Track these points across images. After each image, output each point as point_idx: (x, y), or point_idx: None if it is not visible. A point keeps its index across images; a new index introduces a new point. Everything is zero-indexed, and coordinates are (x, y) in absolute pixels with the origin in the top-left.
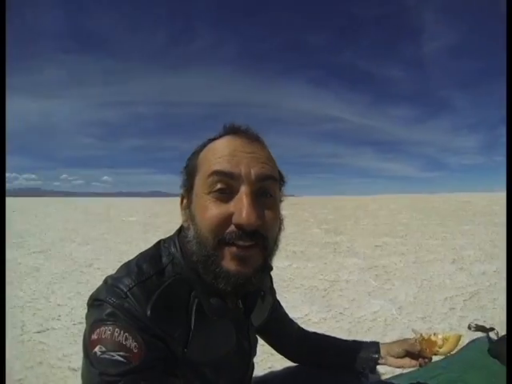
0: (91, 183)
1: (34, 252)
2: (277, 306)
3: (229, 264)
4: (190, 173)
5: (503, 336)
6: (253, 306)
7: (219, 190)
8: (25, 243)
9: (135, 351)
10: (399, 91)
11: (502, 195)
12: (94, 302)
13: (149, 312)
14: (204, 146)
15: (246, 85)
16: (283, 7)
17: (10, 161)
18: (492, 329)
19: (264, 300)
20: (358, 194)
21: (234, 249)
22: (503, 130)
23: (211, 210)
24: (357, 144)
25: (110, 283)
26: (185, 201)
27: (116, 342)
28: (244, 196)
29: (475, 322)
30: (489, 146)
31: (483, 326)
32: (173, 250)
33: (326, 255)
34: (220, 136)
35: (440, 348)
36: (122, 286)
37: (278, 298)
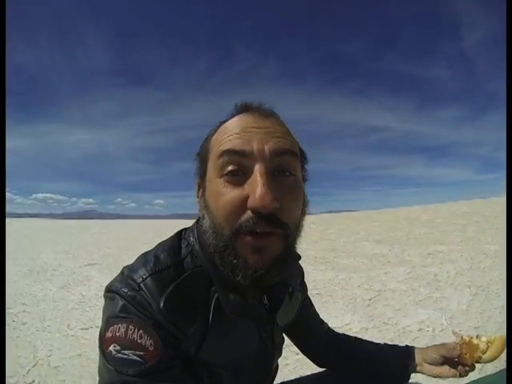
0: (144, 206)
1: (86, 264)
2: (307, 303)
3: (246, 254)
4: (202, 158)
5: None
6: (279, 303)
7: (231, 172)
8: (79, 257)
9: (151, 349)
10: (444, 91)
11: None
12: (108, 293)
13: (162, 304)
14: (216, 129)
15: (287, 101)
16: (317, 21)
17: (70, 187)
18: None
19: (292, 297)
20: (411, 205)
21: (250, 237)
22: None
23: (224, 196)
24: (405, 152)
25: (126, 274)
26: (200, 189)
27: (130, 340)
28: (258, 175)
29: None
30: None
31: None
32: (192, 240)
33: (373, 266)
34: (232, 116)
35: (483, 353)
36: (135, 277)
37: (318, 308)
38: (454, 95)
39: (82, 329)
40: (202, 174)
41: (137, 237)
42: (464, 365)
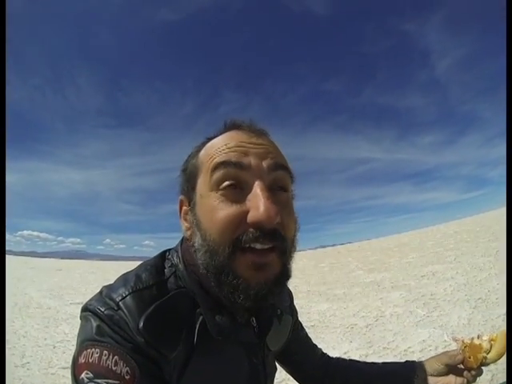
0: (133, 247)
1: (71, 303)
2: (298, 327)
3: (247, 273)
4: (189, 174)
5: None
6: (268, 326)
7: (228, 186)
8: (64, 295)
9: (127, 378)
10: (422, 118)
11: None
12: (83, 313)
13: (141, 324)
14: (203, 144)
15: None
16: (298, 62)
17: (56, 226)
18: None
19: (281, 320)
20: (403, 231)
21: (250, 255)
22: None
23: (222, 210)
24: (392, 181)
25: (105, 293)
26: (184, 207)
27: (104, 368)
28: (259, 190)
29: None
30: None
31: None
32: (176, 261)
33: (368, 293)
34: (220, 133)
35: (488, 353)
36: (114, 296)
37: (314, 339)
38: (433, 121)
39: (64, 368)
40: (190, 191)
41: None
42: (470, 369)
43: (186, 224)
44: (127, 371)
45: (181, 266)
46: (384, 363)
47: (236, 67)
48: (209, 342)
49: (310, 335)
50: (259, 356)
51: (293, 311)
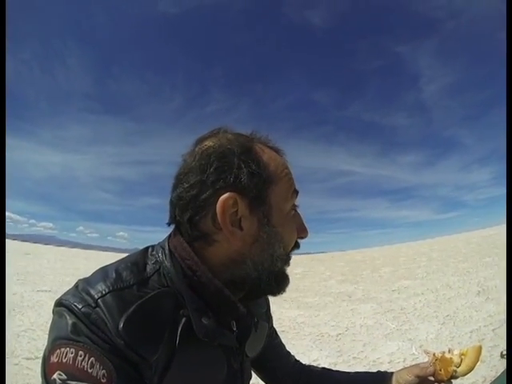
0: (106, 237)
1: (38, 290)
2: (273, 334)
3: (286, 270)
4: (260, 180)
5: None
6: (247, 332)
7: (295, 207)
8: (31, 282)
9: (103, 381)
10: (405, 138)
11: None
12: (57, 308)
13: (121, 325)
14: (251, 148)
15: None
16: (289, 69)
17: (29, 208)
18: None
19: (257, 327)
20: (376, 246)
21: (290, 256)
22: None
23: (294, 226)
24: (371, 195)
25: (81, 287)
26: (235, 208)
27: (79, 370)
28: (299, 213)
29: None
30: (501, 177)
31: None
32: (161, 258)
33: (339, 303)
34: (266, 145)
35: (458, 366)
36: (93, 292)
37: (286, 345)
38: (415, 142)
39: (28, 358)
40: (255, 195)
41: (96, 268)
42: (440, 381)
43: (236, 229)
44: (104, 374)
45: (167, 264)
46: (356, 372)
47: (228, 67)
48: (191, 345)
49: None
50: (238, 362)
51: (269, 318)
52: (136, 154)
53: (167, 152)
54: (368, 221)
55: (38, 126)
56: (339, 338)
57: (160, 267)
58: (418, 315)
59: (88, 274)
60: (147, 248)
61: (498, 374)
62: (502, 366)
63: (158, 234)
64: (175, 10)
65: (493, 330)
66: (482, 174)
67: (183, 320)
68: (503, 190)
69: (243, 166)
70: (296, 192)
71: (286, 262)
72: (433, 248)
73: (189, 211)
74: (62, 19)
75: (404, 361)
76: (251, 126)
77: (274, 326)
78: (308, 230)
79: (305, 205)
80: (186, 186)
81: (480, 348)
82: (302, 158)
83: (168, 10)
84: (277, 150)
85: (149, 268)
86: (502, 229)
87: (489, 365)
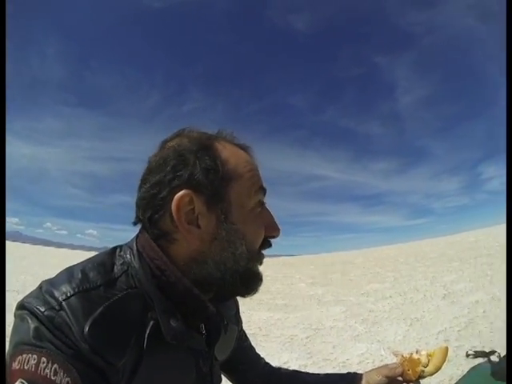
0: (75, 235)
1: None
2: (243, 337)
3: (259, 270)
4: (217, 177)
5: (505, 355)
6: (216, 334)
7: (262, 204)
8: None
9: None
10: (379, 146)
11: (487, 230)
12: (19, 311)
13: (87, 329)
14: (212, 143)
15: None
16: (266, 72)
17: None
18: (493, 352)
19: (227, 330)
20: (346, 250)
21: (262, 255)
22: (482, 169)
23: (260, 224)
24: (343, 200)
25: (45, 289)
26: (191, 206)
27: (42, 377)
28: (269, 210)
29: (473, 349)
30: (469, 187)
31: (483, 351)
32: (129, 258)
33: (309, 306)
34: (226, 139)
35: (425, 367)
36: (57, 294)
37: (256, 347)
38: (388, 150)
39: None
40: (214, 192)
41: (63, 267)
42: (409, 381)
43: (192, 226)
44: (68, 382)
45: (135, 264)
46: (326, 374)
47: (208, 67)
48: (159, 348)
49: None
50: (207, 365)
51: (238, 321)
52: (110, 149)
53: (141, 149)
54: (339, 225)
55: (7, 115)
56: (309, 340)
57: (128, 268)
58: (386, 317)
59: (53, 274)
60: (115, 248)
61: (464, 373)
62: (467, 365)
63: (128, 232)
64: (159, 3)
65: (458, 331)
66: (450, 184)
67: (151, 323)
68: (470, 199)
69: (199, 163)
70: (262, 189)
71: (252, 260)
72: (401, 253)
73: (149, 210)
74: (40, 6)
75: (373, 362)
76: (227, 127)
77: (244, 328)
78: (279, 228)
79: (277, 207)
80: (148, 186)
81: (446, 349)
82: (276, 161)
83: (152, 3)
84: (244, 148)
85: (116, 269)
86: (468, 235)
87: (455, 364)
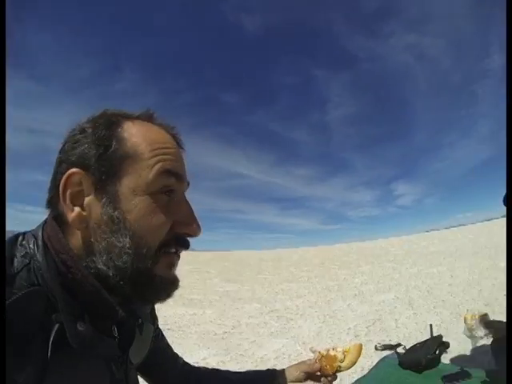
0: None
1: None
2: (159, 335)
3: (166, 272)
4: (110, 157)
5: (410, 347)
6: (130, 337)
7: (167, 192)
8: None
9: None
10: (303, 152)
11: (395, 239)
12: None
13: None
14: (117, 121)
15: None
16: (202, 64)
17: None
18: (399, 344)
19: (143, 330)
20: (263, 249)
21: (169, 256)
22: (395, 186)
23: (159, 215)
24: (262, 200)
25: None
26: (79, 187)
27: None
28: (188, 203)
29: (381, 343)
30: (382, 200)
31: (390, 344)
32: (32, 249)
33: (225, 302)
34: (142, 118)
35: (342, 362)
36: None
37: (172, 344)
38: (311, 157)
39: None
40: (103, 174)
41: None
42: (326, 376)
43: (78, 209)
44: None
45: (39, 257)
46: (246, 371)
47: (147, 49)
48: (65, 356)
49: (167, 339)
50: (122, 371)
51: (154, 319)
52: (28, 119)
53: (63, 123)
54: (257, 224)
55: None
56: (226, 336)
57: (30, 261)
58: (300, 315)
59: None
60: (16, 236)
61: (374, 364)
62: (376, 357)
63: (41, 215)
64: None
65: (367, 327)
66: (365, 196)
67: (56, 326)
68: (381, 211)
69: (93, 140)
70: (171, 174)
71: (144, 259)
72: (316, 255)
73: (49, 191)
74: None
75: (289, 357)
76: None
77: (159, 323)
78: (198, 226)
79: (196, 201)
80: (53, 167)
81: (361, 346)
82: (200, 155)
83: None
84: (166, 128)
85: (16, 262)
86: (378, 243)
87: (365, 356)
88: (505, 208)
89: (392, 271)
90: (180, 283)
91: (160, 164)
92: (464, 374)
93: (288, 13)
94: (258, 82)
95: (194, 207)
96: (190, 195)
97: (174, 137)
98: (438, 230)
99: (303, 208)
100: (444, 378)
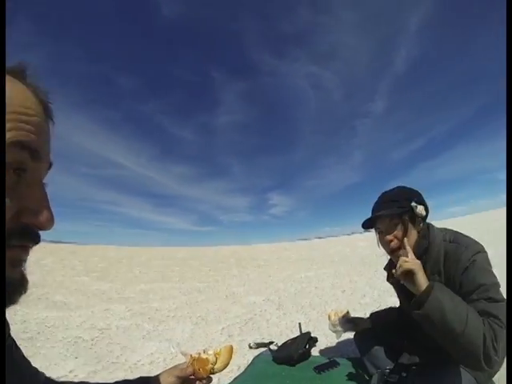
0: None
1: None
2: (12, 347)
3: (8, 271)
4: None
5: (282, 344)
6: None
7: (17, 169)
8: None
9: None
10: (184, 151)
11: (267, 246)
12: None
13: None
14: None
15: None
16: (105, 36)
17: None
18: (271, 342)
19: None
20: (133, 245)
21: (15, 250)
22: (270, 196)
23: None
24: (137, 194)
25: None
26: None
27: None
28: (43, 191)
29: (255, 341)
30: (256, 208)
31: (263, 342)
32: None
33: (94, 303)
34: (10, 71)
35: (214, 364)
36: None
37: (32, 356)
38: (191, 157)
39: None
40: None
41: None
42: (201, 379)
43: None
44: None
45: None
46: (118, 382)
47: (85, 33)
48: None
49: (26, 350)
50: None
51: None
52: None
53: None
54: (129, 219)
55: None
56: (95, 343)
57: None
58: (172, 316)
59: None
60: None
61: (249, 361)
62: (251, 354)
63: None
64: None
65: (239, 327)
66: (240, 202)
67: None
68: (255, 218)
69: None
70: (23, 147)
71: None
72: (187, 255)
73: None
74: None
75: (164, 360)
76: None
77: (18, 331)
78: (49, 217)
79: (67, 187)
80: None
81: (231, 347)
82: (78, 135)
83: None
84: (35, 90)
85: None
86: (249, 248)
87: (240, 355)
88: (363, 229)
89: (262, 275)
90: (41, 279)
91: (12, 133)
92: (333, 364)
93: (207, 7)
94: (156, 73)
95: (65, 194)
96: (57, 179)
97: (43, 103)
98: (308, 239)
99: (177, 207)
100: (315, 368)
